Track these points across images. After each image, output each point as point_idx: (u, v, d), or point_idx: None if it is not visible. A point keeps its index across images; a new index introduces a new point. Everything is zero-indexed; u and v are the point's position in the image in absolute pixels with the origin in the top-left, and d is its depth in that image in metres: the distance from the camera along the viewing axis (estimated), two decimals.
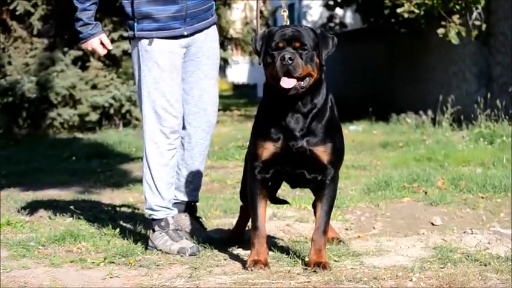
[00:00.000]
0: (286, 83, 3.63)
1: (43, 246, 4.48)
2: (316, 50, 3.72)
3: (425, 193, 5.98)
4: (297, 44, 3.68)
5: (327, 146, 3.80)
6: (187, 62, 4.49)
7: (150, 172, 4.38)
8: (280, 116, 3.77)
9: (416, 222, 5.21)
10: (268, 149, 3.80)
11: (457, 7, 12.09)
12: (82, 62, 13.71)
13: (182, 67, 4.46)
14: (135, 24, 4.36)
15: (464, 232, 4.67)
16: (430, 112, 12.15)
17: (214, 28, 4.59)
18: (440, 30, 12.17)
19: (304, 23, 21.97)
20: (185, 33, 4.39)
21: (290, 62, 3.62)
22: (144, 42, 4.36)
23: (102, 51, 4.50)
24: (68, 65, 13.43)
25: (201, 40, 4.48)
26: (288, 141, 3.77)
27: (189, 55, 4.48)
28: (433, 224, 5.15)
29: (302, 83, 3.67)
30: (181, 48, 4.42)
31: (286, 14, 4.11)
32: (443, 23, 12.19)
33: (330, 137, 3.81)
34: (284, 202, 4.63)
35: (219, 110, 4.70)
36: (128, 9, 4.38)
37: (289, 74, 3.63)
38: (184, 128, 4.54)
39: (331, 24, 20.83)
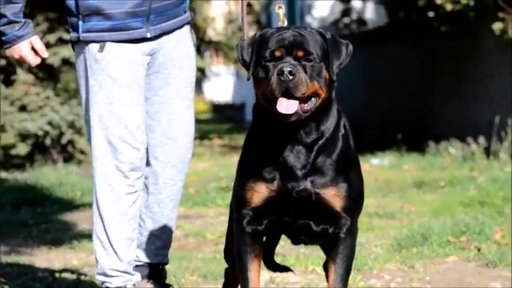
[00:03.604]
0: (285, 107, 3.62)
1: None
2: (325, 60, 3.73)
3: (478, 250, 6.03)
4: (300, 53, 3.69)
5: (340, 187, 3.82)
6: (152, 75, 4.55)
7: (103, 224, 4.43)
8: (276, 148, 3.78)
9: None
10: (259, 193, 3.81)
11: None
12: (6, 74, 13.74)
13: (146, 82, 4.52)
14: (80, 22, 4.42)
15: None
16: (482, 139, 12.21)
17: (188, 29, 4.66)
18: (497, 25, 12.03)
19: (308, 19, 22.10)
20: (149, 35, 4.46)
21: (290, 77, 3.61)
22: (93, 47, 4.41)
23: (33, 60, 4.55)
24: None
25: (171, 45, 4.55)
26: (287, 182, 3.77)
27: (155, 66, 4.54)
28: None
29: (306, 105, 3.67)
30: (143, 56, 4.48)
31: (282, 11, 4.09)
32: (501, 14, 12.04)
33: (344, 175, 3.83)
34: (285, 269, 4.65)
35: (194, 139, 4.75)
36: (70, 1, 4.44)
37: (289, 94, 3.61)
38: (148, 164, 4.60)
39: (346, 21, 20.93)
